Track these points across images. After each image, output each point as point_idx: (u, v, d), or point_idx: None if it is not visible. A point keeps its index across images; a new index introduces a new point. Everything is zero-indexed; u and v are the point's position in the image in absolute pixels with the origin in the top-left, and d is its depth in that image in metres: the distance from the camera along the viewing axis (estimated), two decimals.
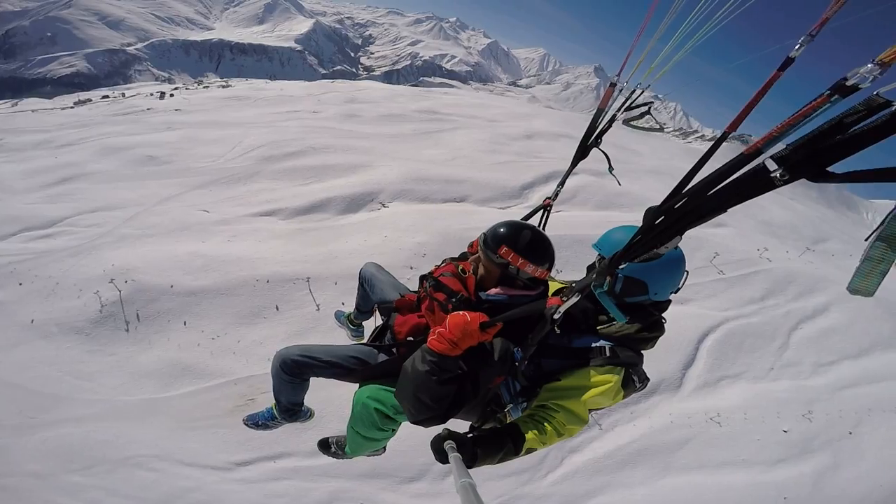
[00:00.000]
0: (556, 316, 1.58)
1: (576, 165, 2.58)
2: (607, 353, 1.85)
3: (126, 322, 6.77)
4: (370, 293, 2.85)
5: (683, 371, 8.33)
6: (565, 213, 12.26)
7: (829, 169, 0.74)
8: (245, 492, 5.15)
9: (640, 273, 1.84)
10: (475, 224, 9.79)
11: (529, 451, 1.84)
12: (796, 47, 1.33)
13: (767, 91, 1.36)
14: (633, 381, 1.93)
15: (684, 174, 1.18)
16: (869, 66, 0.76)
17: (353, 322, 3.53)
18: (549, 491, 6.31)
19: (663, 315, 2.01)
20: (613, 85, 2.35)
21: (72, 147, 15.90)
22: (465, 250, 2.50)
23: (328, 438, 2.90)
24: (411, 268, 8.03)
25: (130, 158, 14.35)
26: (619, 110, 2.38)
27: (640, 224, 1.99)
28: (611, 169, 2.64)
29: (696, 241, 11.52)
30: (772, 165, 0.79)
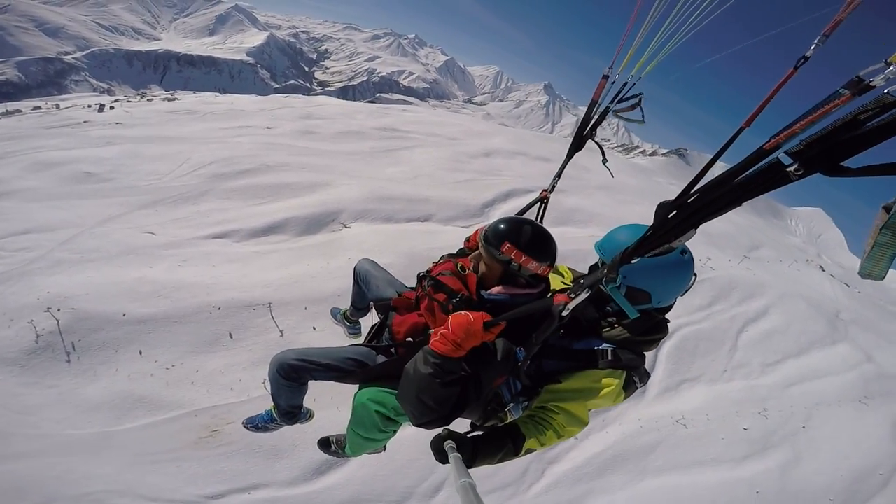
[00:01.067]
0: (564, 313, 1.55)
1: (572, 157, 2.62)
2: (609, 357, 1.85)
3: (66, 353, 6.24)
4: (366, 290, 2.82)
5: None
6: None
7: (843, 164, 0.77)
8: None
9: (642, 282, 1.85)
10: (441, 244, 9.85)
11: (529, 451, 1.85)
12: (811, 47, 1.37)
13: (781, 88, 1.41)
14: (634, 382, 1.95)
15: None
16: (881, 65, 0.82)
17: (349, 319, 3.50)
18: (535, 503, 6.42)
19: (666, 315, 2.02)
20: (606, 77, 2.38)
21: None
22: (462, 246, 2.54)
23: (328, 438, 2.86)
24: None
25: (65, 175, 13.31)
26: (611, 102, 2.41)
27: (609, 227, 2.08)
28: (604, 161, 2.71)
29: None
30: (787, 160, 0.82)
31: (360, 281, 2.89)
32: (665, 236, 1.17)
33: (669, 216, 1.14)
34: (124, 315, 6.81)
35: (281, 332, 7.18)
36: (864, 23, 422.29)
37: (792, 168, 0.81)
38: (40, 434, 5.29)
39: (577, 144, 2.60)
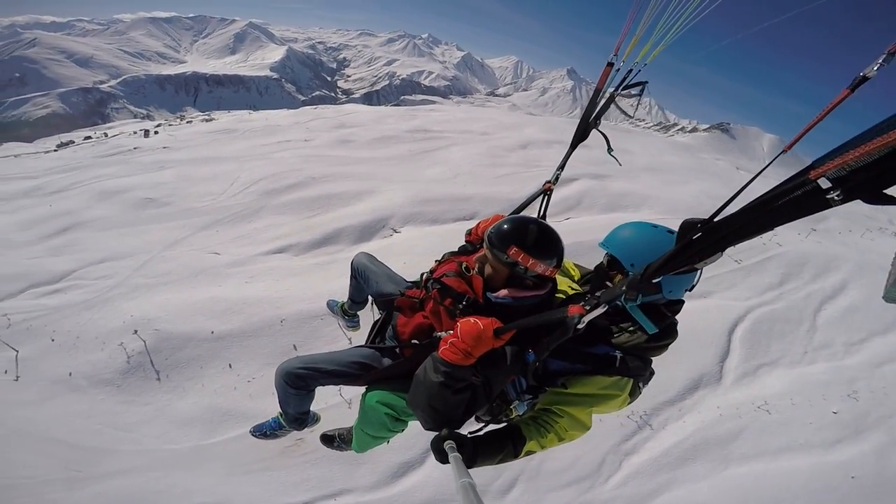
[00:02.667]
0: (579, 326, 1.51)
1: (575, 147, 2.55)
2: (617, 364, 1.81)
3: (156, 371, 6.67)
4: (364, 285, 2.78)
5: (720, 364, 8.40)
6: (574, 219, 12.42)
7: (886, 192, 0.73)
8: None
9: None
10: None
11: (529, 453, 1.83)
12: (874, 67, 1.23)
13: (832, 110, 1.30)
14: (639, 388, 1.92)
15: (741, 188, 1.16)
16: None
17: (346, 312, 3.47)
18: (614, 494, 6.32)
19: (676, 317, 1.95)
20: (611, 65, 2.31)
21: (65, 193, 15.65)
22: (465, 240, 2.46)
23: (332, 433, 2.87)
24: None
25: (128, 202, 14.18)
26: (616, 90, 2.34)
27: (637, 220, 1.97)
28: (610, 150, 2.54)
29: None
30: (825, 184, 0.78)
31: (359, 276, 2.81)
32: (690, 258, 1.11)
33: (695, 237, 1.09)
34: (212, 332, 7.19)
35: (349, 339, 7.37)
36: None
37: (834, 195, 0.77)
38: (143, 450, 5.67)
39: (581, 134, 2.52)
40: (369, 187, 12.78)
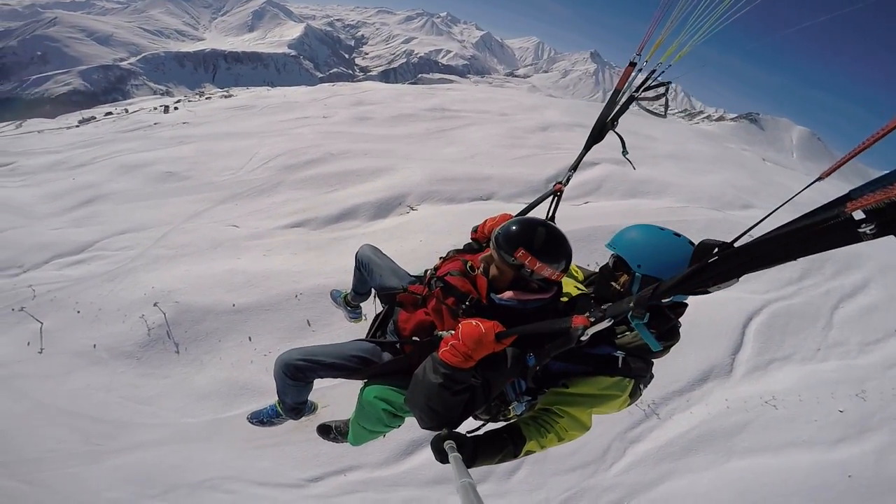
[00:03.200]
0: (583, 338, 1.50)
1: (590, 148, 2.47)
2: (619, 364, 1.81)
3: (175, 344, 6.73)
4: (368, 278, 2.77)
5: (732, 356, 8.34)
6: (594, 203, 12.20)
7: None
8: None
9: (658, 272, 1.75)
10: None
11: (528, 453, 1.84)
12: None
13: (880, 140, 1.10)
14: (640, 389, 1.91)
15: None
16: None
17: (349, 304, 3.50)
18: (616, 481, 6.37)
19: (679, 320, 1.91)
20: (633, 64, 2.23)
21: (87, 167, 15.83)
22: (470, 237, 2.45)
23: (329, 425, 2.89)
24: (441, 258, 7.94)
25: (149, 176, 14.28)
26: (637, 90, 2.27)
27: (646, 220, 1.97)
28: (625, 152, 2.51)
29: (728, 225, 11.38)
30: (859, 216, 0.72)
31: (363, 268, 2.83)
32: (704, 281, 1.06)
33: (710, 262, 1.03)
34: (233, 305, 7.21)
35: (364, 315, 7.31)
36: None
37: (867, 229, 0.72)
38: (160, 423, 5.76)
39: (596, 135, 2.43)
40: (387, 164, 12.62)
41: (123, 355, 6.69)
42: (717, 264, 1.03)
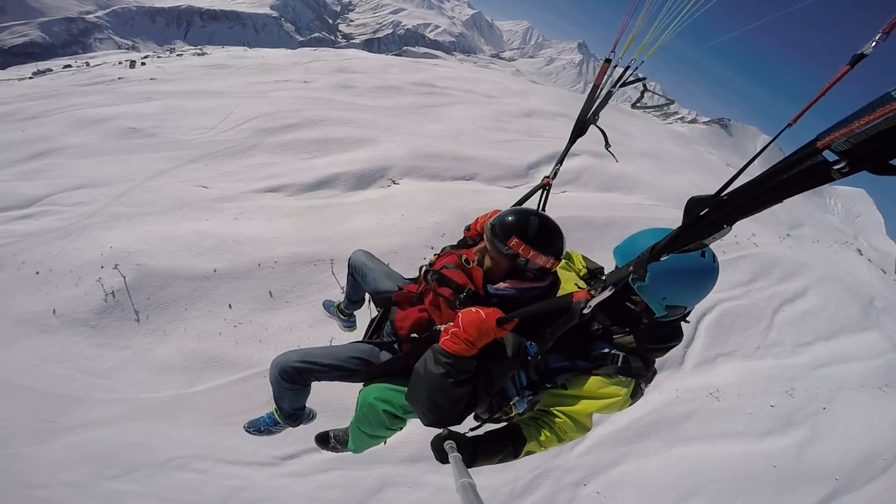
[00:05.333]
0: (585, 311, 1.48)
1: (574, 143, 2.50)
2: (619, 363, 1.77)
3: (136, 312, 6.21)
4: (361, 283, 2.73)
5: (685, 349, 8.91)
6: (570, 193, 12.26)
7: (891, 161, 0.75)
8: (296, 486, 4.94)
9: (665, 287, 1.70)
10: (488, 204, 9.42)
11: (528, 453, 1.83)
12: (872, 44, 1.29)
13: (834, 86, 1.33)
14: (641, 388, 1.89)
15: (741, 170, 1.16)
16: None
17: (343, 312, 3.42)
18: (578, 462, 6.71)
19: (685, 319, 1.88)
20: (608, 61, 2.29)
21: (40, 119, 14.62)
22: (463, 235, 2.45)
23: (328, 433, 2.83)
24: (431, 248, 7.77)
25: (110, 131, 13.28)
26: (614, 86, 2.35)
27: (640, 226, 1.91)
28: (608, 146, 2.54)
29: None
30: (831, 157, 0.79)
31: (356, 273, 2.76)
32: (698, 233, 1.10)
33: (702, 213, 1.07)
34: (202, 271, 6.72)
35: (342, 288, 7.02)
36: None
37: (838, 167, 0.78)
38: (119, 398, 5.31)
39: (578, 130, 2.47)
40: (370, 135, 12.11)
41: (76, 323, 6.13)
42: (709, 215, 1.05)
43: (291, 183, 9.45)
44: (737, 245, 11.74)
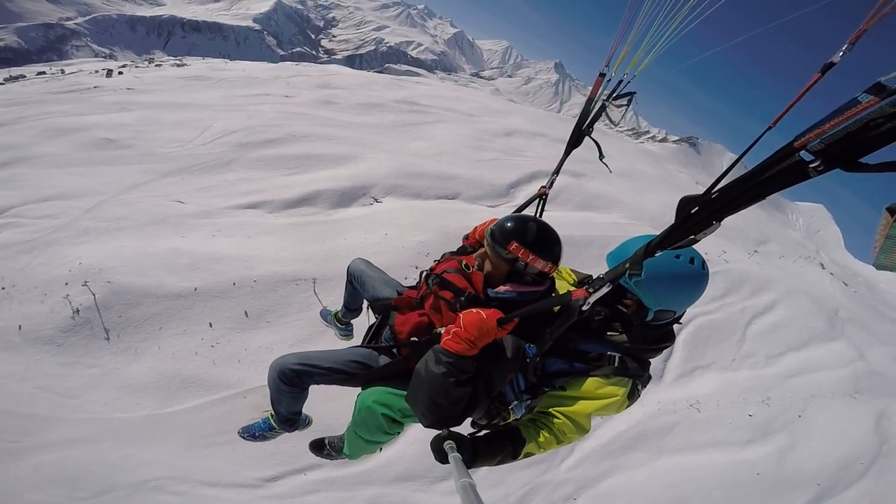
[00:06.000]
0: (584, 307, 1.53)
1: (569, 153, 2.63)
2: (616, 363, 1.80)
3: (105, 330, 5.95)
4: (360, 290, 2.76)
5: (664, 363, 9.17)
6: (550, 213, 12.38)
7: (862, 161, 0.81)
8: None
9: (656, 292, 1.77)
10: (471, 223, 9.51)
11: (528, 455, 1.83)
12: (839, 54, 1.41)
13: (807, 92, 1.45)
14: (638, 389, 1.91)
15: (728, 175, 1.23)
16: None
17: (340, 321, 3.42)
18: (567, 476, 6.75)
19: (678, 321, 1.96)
20: (602, 75, 2.41)
21: (9, 127, 14.06)
22: (462, 243, 2.50)
23: (323, 439, 2.79)
24: (416, 267, 7.75)
25: (83, 141, 12.87)
26: (607, 99, 2.46)
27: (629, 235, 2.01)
28: (601, 157, 2.70)
29: None
30: (807, 157, 0.86)
31: (355, 281, 2.80)
32: (690, 230, 1.17)
33: (692, 211, 1.15)
34: (176, 289, 6.50)
35: (325, 306, 6.88)
36: (886, 31, 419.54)
37: (814, 165, 0.85)
38: (88, 418, 5.06)
39: (574, 141, 2.61)
40: (352, 152, 12.11)
41: (41, 340, 5.84)
42: (699, 212, 1.12)
43: (272, 199, 9.31)
44: (712, 261, 12.12)
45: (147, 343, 5.98)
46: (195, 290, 6.54)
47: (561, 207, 12.90)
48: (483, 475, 6.13)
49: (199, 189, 9.70)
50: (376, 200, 10.13)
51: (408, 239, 8.23)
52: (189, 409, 5.35)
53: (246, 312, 6.75)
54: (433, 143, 15.23)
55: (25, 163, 11.58)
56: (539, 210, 2.69)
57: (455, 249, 2.51)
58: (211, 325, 6.21)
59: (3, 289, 6.45)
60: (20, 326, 5.87)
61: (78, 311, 6.12)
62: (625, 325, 1.88)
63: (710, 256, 12.42)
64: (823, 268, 20.34)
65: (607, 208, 14.01)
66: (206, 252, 7.21)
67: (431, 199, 11.07)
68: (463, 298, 1.95)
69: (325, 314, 3.58)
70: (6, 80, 32.40)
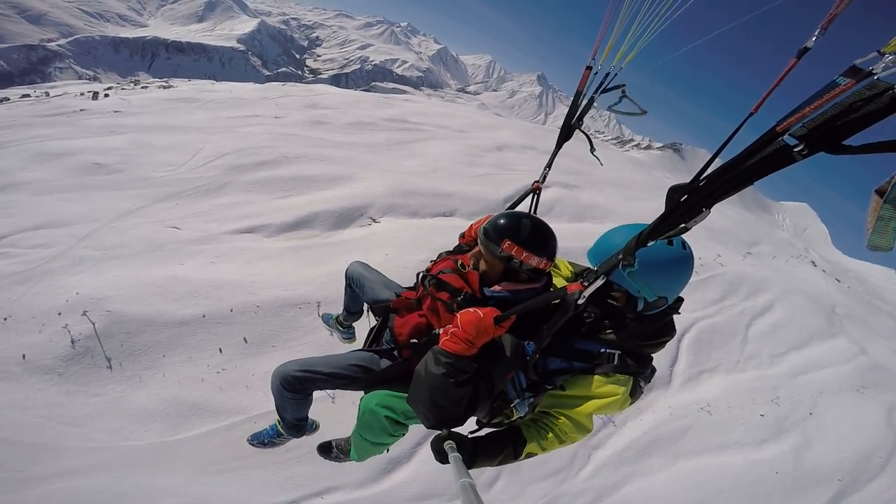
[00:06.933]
0: (580, 301, 1.53)
1: (560, 147, 2.63)
2: (615, 361, 1.78)
3: (107, 358, 5.88)
4: (360, 293, 2.75)
5: (671, 368, 9.23)
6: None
7: (845, 143, 0.82)
8: None
9: (645, 278, 1.74)
10: None
11: (529, 455, 1.82)
12: (812, 39, 1.45)
13: (785, 77, 1.53)
14: (640, 386, 1.89)
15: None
16: (874, 55, 0.84)
17: (342, 324, 3.42)
18: (585, 486, 6.76)
19: (677, 312, 1.94)
20: (589, 68, 2.40)
21: None
22: (458, 242, 2.47)
23: (330, 442, 2.78)
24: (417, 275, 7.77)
25: (73, 166, 12.73)
26: (595, 92, 2.45)
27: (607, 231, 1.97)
28: (592, 150, 2.73)
29: None
30: (792, 142, 0.87)
31: (354, 284, 2.80)
32: (680, 218, 1.17)
33: (682, 200, 1.16)
34: (177, 316, 6.46)
35: (331, 331, 6.88)
36: (857, 17, 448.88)
37: (798, 149, 0.86)
38: (96, 446, 4.97)
39: (564, 134, 2.63)
40: (346, 173, 12.20)
41: (41, 370, 5.75)
42: (688, 200, 1.13)
43: (269, 223, 9.31)
44: (703, 267, 12.42)
45: (151, 371, 5.92)
46: (203, 316, 6.51)
47: (556, 219, 13.08)
48: (501, 489, 6.14)
49: (194, 214, 9.67)
50: (374, 220, 10.20)
51: (409, 258, 8.30)
52: (198, 436, 5.30)
53: (245, 338, 6.73)
54: (426, 161, 15.39)
55: (15, 189, 11.42)
56: (533, 205, 2.65)
57: (451, 248, 2.49)
58: (221, 350, 6.18)
59: (10, 318, 6.37)
60: (24, 356, 5.79)
61: (78, 340, 6.05)
62: (617, 322, 1.86)
63: (704, 261, 12.68)
64: (815, 265, 20.73)
65: (601, 218, 14.22)
66: (205, 279, 7.18)
67: (428, 217, 11.18)
68: (460, 298, 1.94)
69: (326, 318, 3.58)
70: None
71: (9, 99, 33.30)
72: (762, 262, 16.10)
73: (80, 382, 5.63)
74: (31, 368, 5.71)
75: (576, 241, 11.43)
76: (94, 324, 6.17)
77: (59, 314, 6.59)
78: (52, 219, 9.91)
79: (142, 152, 13.66)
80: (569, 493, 6.51)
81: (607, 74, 2.39)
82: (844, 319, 13.19)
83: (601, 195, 16.25)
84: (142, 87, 37.17)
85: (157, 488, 4.66)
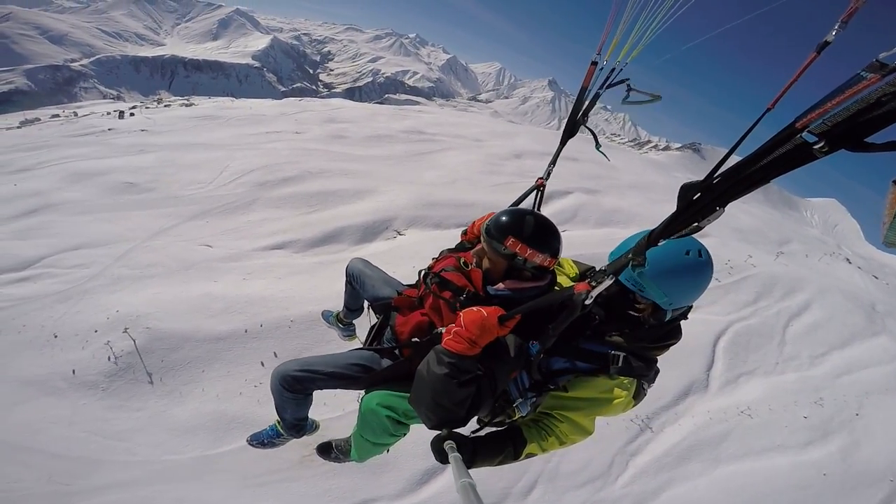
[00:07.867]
0: (587, 301, 1.49)
1: (565, 143, 2.60)
2: (620, 363, 1.76)
3: (148, 374, 6.03)
4: (360, 291, 2.72)
5: (707, 372, 9.05)
6: (570, 232, 12.53)
7: (867, 140, 0.79)
8: None
9: (658, 286, 1.73)
10: None
11: (529, 455, 1.81)
12: (833, 33, 1.43)
13: (805, 72, 1.50)
14: (644, 389, 1.87)
15: (721, 166, 1.18)
16: None
17: (342, 321, 3.39)
18: (623, 493, 6.60)
19: (686, 315, 1.92)
20: (594, 64, 2.38)
21: (31, 172, 14.44)
22: (461, 239, 2.51)
23: (329, 442, 2.76)
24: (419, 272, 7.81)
25: (106, 185, 13.19)
26: (601, 88, 2.42)
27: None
28: (598, 146, 2.67)
29: None
30: (811, 139, 0.84)
31: (354, 281, 2.77)
32: (693, 216, 1.14)
33: (695, 198, 1.13)
34: (215, 333, 6.61)
35: (361, 343, 6.95)
36: (879, 10, 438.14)
37: (818, 146, 0.83)
38: (140, 460, 5.10)
39: (570, 130, 2.59)
40: (369, 186, 12.35)
41: (85, 385, 5.93)
42: (702, 198, 1.10)
43: (297, 239, 9.47)
44: (734, 269, 12.18)
45: (191, 385, 6.06)
46: (245, 331, 6.66)
47: (581, 226, 12.95)
48: (538, 497, 6.07)
49: (224, 231, 9.91)
50: (399, 233, 10.30)
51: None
52: (238, 449, 5.39)
53: (277, 353, 6.83)
54: (446, 172, 15.48)
55: (52, 209, 11.87)
56: (537, 202, 2.64)
57: (454, 246, 2.49)
58: (251, 366, 6.30)
59: (56, 336, 6.60)
60: (74, 371, 5.99)
61: (120, 356, 6.22)
62: (632, 328, 1.83)
63: (735, 262, 12.44)
64: (850, 262, 20.03)
65: (626, 222, 13.94)
66: (239, 295, 7.34)
67: (452, 227, 11.21)
68: (463, 297, 1.91)
69: (326, 315, 3.56)
70: (22, 123, 33.31)
71: (39, 119, 34.76)
72: (795, 261, 15.68)
73: (122, 397, 5.79)
74: (76, 384, 5.90)
75: (602, 246, 11.29)
76: (134, 340, 6.36)
77: (99, 332, 6.79)
78: (89, 239, 10.27)
79: (170, 170, 14.08)
80: (607, 500, 6.41)
81: (612, 70, 2.38)
82: (886, 317, 12.67)
83: (624, 199, 16.01)
84: (165, 106, 38.42)
85: (202, 501, 4.75)
